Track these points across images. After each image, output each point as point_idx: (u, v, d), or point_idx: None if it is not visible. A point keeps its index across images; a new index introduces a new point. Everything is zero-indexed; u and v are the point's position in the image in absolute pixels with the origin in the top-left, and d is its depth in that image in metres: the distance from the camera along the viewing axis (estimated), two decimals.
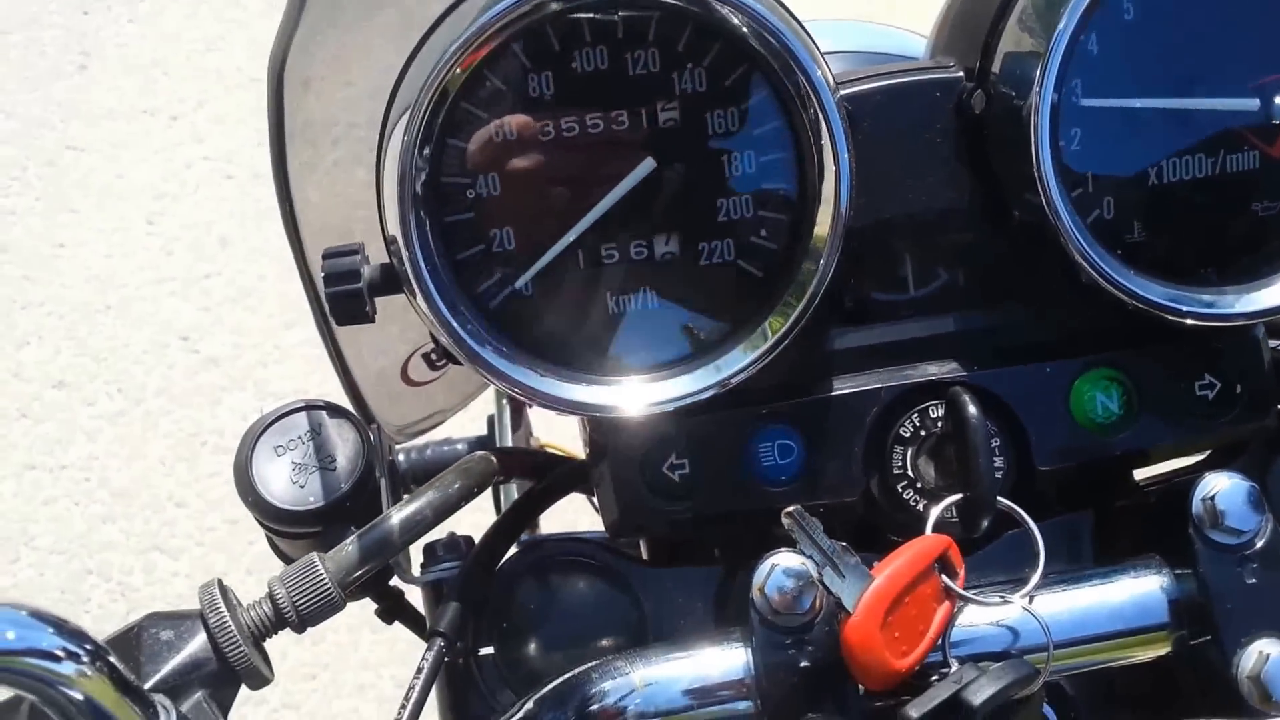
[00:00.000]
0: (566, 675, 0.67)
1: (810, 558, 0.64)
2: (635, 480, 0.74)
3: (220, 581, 0.68)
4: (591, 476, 0.79)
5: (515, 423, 1.39)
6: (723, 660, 0.66)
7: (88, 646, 0.50)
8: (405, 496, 0.77)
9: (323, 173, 0.88)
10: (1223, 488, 0.67)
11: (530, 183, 0.70)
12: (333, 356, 0.84)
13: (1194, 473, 0.71)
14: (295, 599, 0.68)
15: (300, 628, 0.69)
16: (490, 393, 1.45)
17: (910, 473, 0.74)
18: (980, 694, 0.61)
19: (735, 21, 0.67)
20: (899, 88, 0.74)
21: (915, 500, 0.74)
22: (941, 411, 0.73)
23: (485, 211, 0.70)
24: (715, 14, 0.67)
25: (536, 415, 1.46)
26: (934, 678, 0.64)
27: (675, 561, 0.79)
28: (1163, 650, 0.69)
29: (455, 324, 0.69)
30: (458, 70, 0.66)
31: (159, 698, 0.53)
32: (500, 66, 0.68)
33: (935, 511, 0.70)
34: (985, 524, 0.70)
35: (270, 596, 0.68)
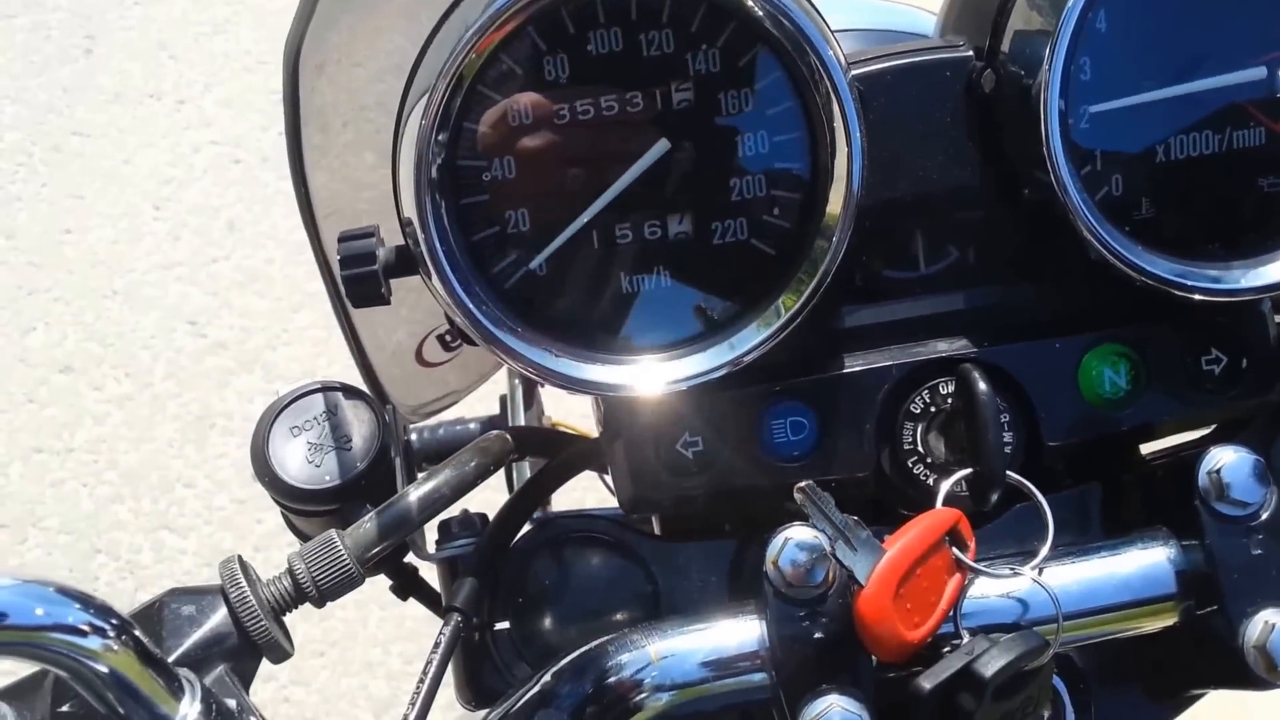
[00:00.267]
0: (583, 649, 0.68)
1: (823, 531, 0.65)
2: (649, 457, 0.75)
3: (240, 557, 0.69)
4: (605, 454, 0.80)
5: (527, 402, 1.40)
6: (737, 633, 0.67)
7: (113, 621, 0.51)
8: (420, 475, 0.78)
9: (333, 156, 0.89)
10: (1228, 461, 0.68)
11: (545, 164, 0.70)
12: (348, 338, 0.85)
13: (1200, 447, 0.72)
14: (315, 574, 0.69)
15: (320, 602, 0.70)
16: (503, 373, 1.46)
17: (921, 448, 0.75)
18: (991, 665, 0.63)
19: (749, 3, 0.68)
20: (910, 67, 0.75)
21: (926, 475, 0.75)
22: (952, 388, 0.74)
23: (500, 193, 0.70)
24: None
25: (548, 394, 1.47)
26: (945, 649, 0.66)
27: (688, 537, 0.79)
28: (1170, 621, 0.70)
29: (471, 305, 0.70)
30: (474, 54, 0.66)
31: (183, 671, 0.54)
32: (515, 49, 0.68)
33: (946, 486, 0.71)
34: (995, 498, 0.71)
35: (290, 571, 0.70)
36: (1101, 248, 0.72)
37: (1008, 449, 0.74)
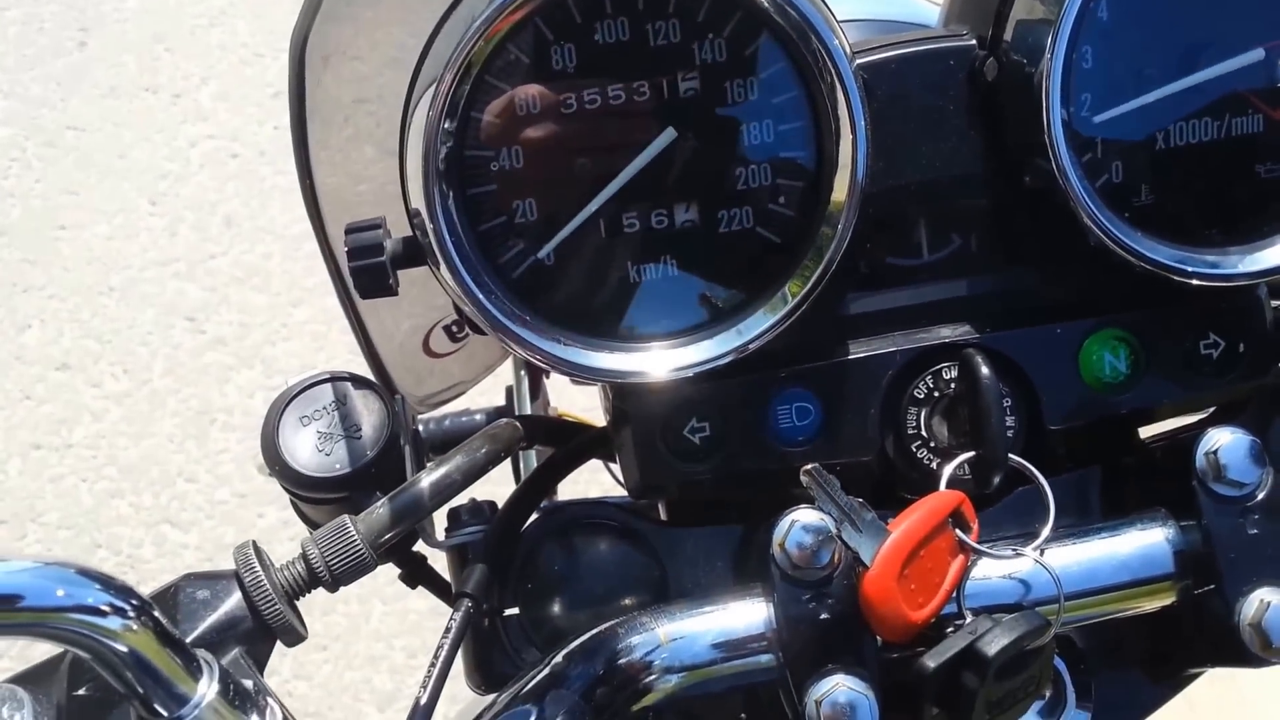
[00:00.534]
0: (594, 631, 0.69)
1: (828, 514, 0.66)
2: (657, 443, 0.76)
3: (254, 543, 0.70)
4: (614, 441, 0.81)
5: (533, 393, 1.41)
6: (745, 615, 0.68)
7: (133, 602, 0.52)
8: (429, 463, 0.79)
9: (337, 149, 0.89)
10: (1225, 442, 0.69)
11: (552, 154, 0.71)
12: (355, 330, 0.86)
13: (1198, 429, 0.73)
14: (328, 558, 0.70)
15: (333, 587, 0.71)
16: (508, 364, 1.47)
17: (924, 432, 0.76)
18: (994, 644, 0.63)
19: None
20: (913, 56, 0.76)
21: (929, 459, 0.76)
22: (955, 373, 0.75)
23: (508, 183, 0.71)
24: None
25: (554, 386, 1.48)
26: (949, 629, 0.66)
27: (695, 523, 0.80)
28: (1168, 600, 0.71)
29: (480, 294, 0.71)
30: (482, 43, 0.67)
31: (201, 652, 0.55)
32: (522, 39, 0.69)
33: (949, 469, 0.72)
34: (997, 481, 0.72)
35: (304, 556, 0.71)
36: (1102, 234, 0.73)
37: (1010, 432, 0.75)
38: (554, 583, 0.80)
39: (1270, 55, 0.74)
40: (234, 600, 0.68)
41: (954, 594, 0.68)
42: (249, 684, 0.56)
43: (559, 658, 0.67)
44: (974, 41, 0.76)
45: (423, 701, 0.71)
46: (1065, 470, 0.78)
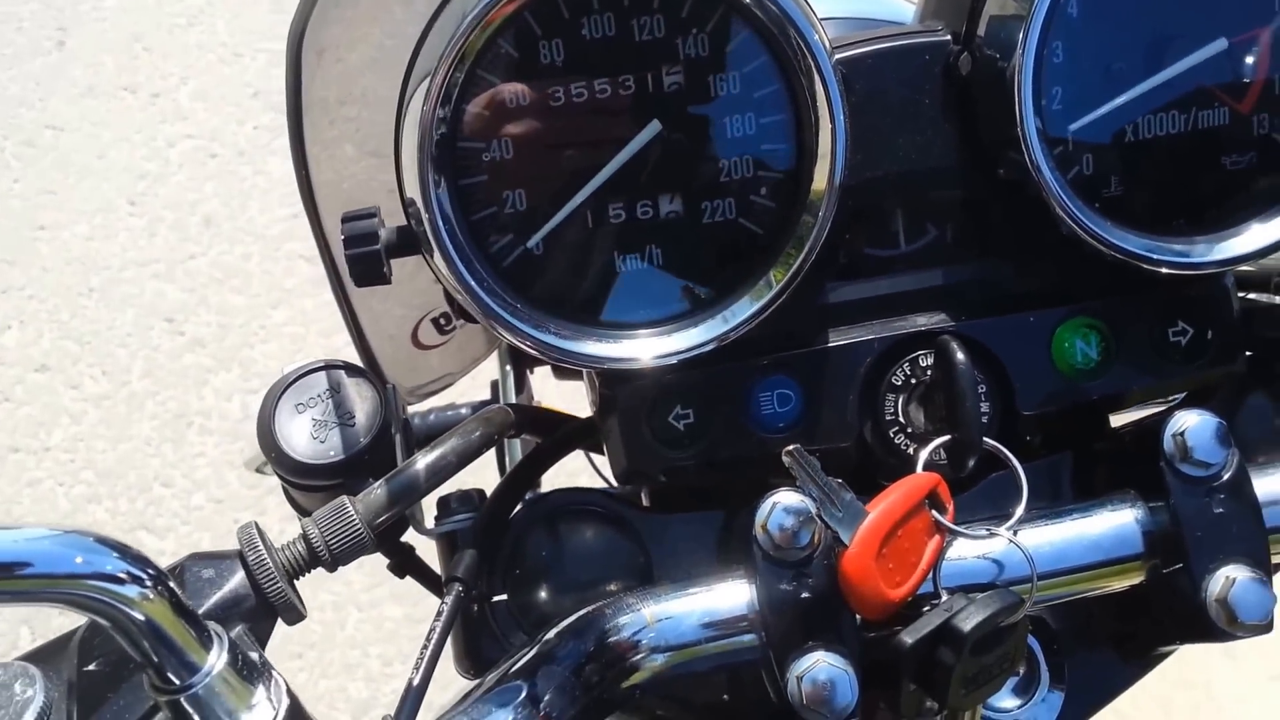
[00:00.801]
0: (582, 612, 0.71)
1: (809, 495, 0.67)
2: (642, 430, 0.78)
3: (256, 523, 0.72)
4: (600, 429, 0.82)
5: (518, 387, 1.42)
6: (728, 596, 0.70)
7: (150, 571, 0.54)
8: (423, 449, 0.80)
9: (331, 141, 0.90)
10: (1192, 424, 0.71)
11: (541, 146, 0.73)
12: (348, 320, 0.87)
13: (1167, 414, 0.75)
14: (328, 538, 0.72)
15: (332, 566, 0.72)
16: (493, 359, 1.49)
17: (901, 418, 0.78)
18: (969, 621, 0.65)
19: None
20: (890, 51, 0.78)
21: (906, 445, 0.78)
22: (931, 360, 0.77)
23: (499, 174, 0.73)
24: None
25: (538, 380, 1.50)
26: (926, 608, 0.68)
27: (678, 509, 0.82)
28: (1138, 579, 0.73)
29: (471, 282, 0.72)
30: (476, 36, 0.69)
31: (212, 624, 0.57)
32: (513, 35, 0.71)
33: (925, 452, 0.74)
34: (972, 463, 0.74)
35: (304, 536, 0.72)
36: (1073, 224, 0.75)
37: (984, 418, 0.77)
38: (541, 569, 0.81)
39: (1234, 48, 0.77)
40: (238, 579, 0.70)
41: (930, 573, 0.69)
42: (255, 656, 0.58)
43: (549, 636, 0.69)
44: (949, 37, 0.79)
45: (415, 683, 0.72)
46: (1039, 456, 0.81)
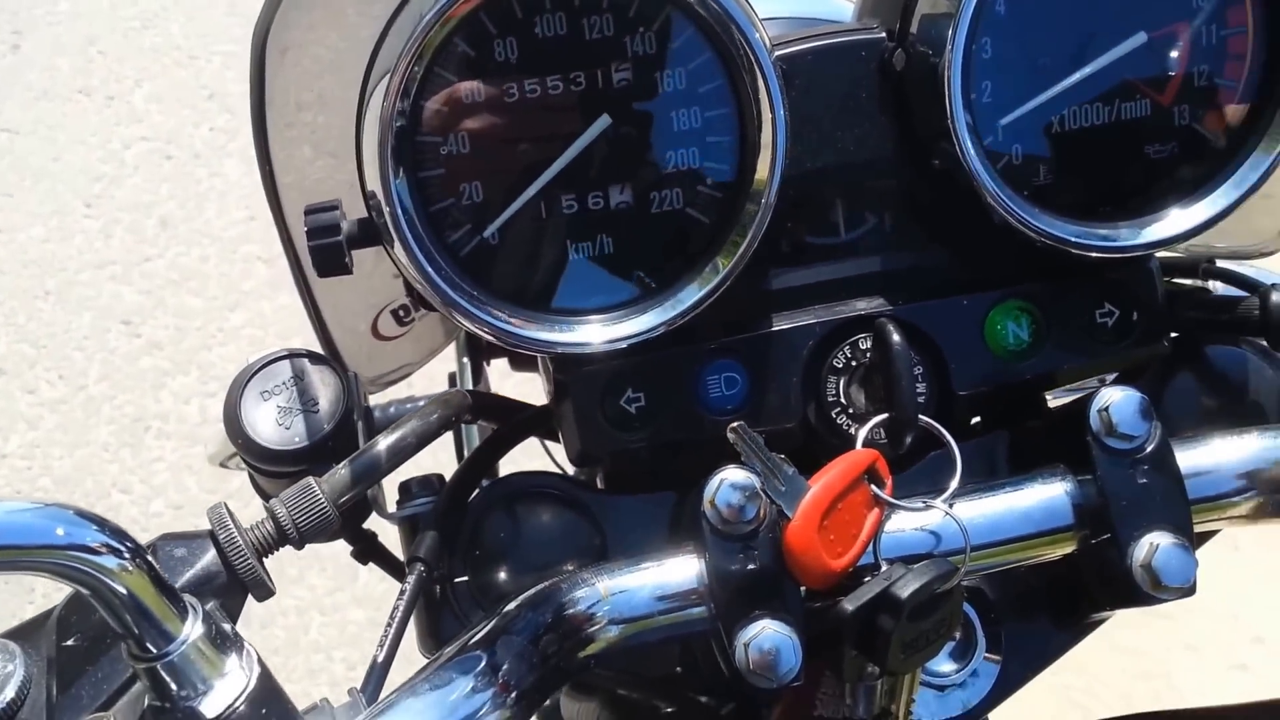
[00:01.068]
0: (539, 587, 0.73)
1: (753, 469, 0.71)
2: (595, 413, 0.81)
3: (226, 504, 0.74)
4: (555, 414, 0.85)
5: (475, 379, 1.45)
6: (679, 570, 0.72)
7: (128, 544, 0.56)
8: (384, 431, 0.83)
9: (281, 144, 0.92)
10: (1116, 400, 0.74)
11: (496, 140, 0.76)
12: (310, 311, 0.89)
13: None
14: (295, 517, 0.74)
15: (300, 544, 0.75)
16: (450, 351, 1.51)
17: (843, 399, 0.82)
18: (907, 588, 0.68)
19: None
20: (828, 48, 0.82)
21: (848, 425, 0.81)
22: (870, 343, 0.81)
23: (456, 167, 0.76)
24: None
25: (495, 375, 1.52)
26: (867, 578, 0.71)
27: (631, 490, 0.85)
28: (1069, 549, 0.76)
29: (430, 271, 0.75)
30: (433, 35, 0.72)
31: (187, 596, 0.59)
32: (469, 33, 0.74)
33: (865, 430, 0.78)
34: (909, 440, 0.78)
35: (272, 516, 0.75)
36: (1004, 212, 0.79)
37: (921, 398, 0.81)
38: (499, 549, 0.84)
39: (1154, 42, 0.81)
40: (209, 557, 0.72)
41: (870, 545, 0.72)
42: (228, 628, 0.60)
43: (508, 609, 0.72)
44: (884, 34, 0.82)
45: (380, 659, 0.75)
46: (975, 435, 0.84)
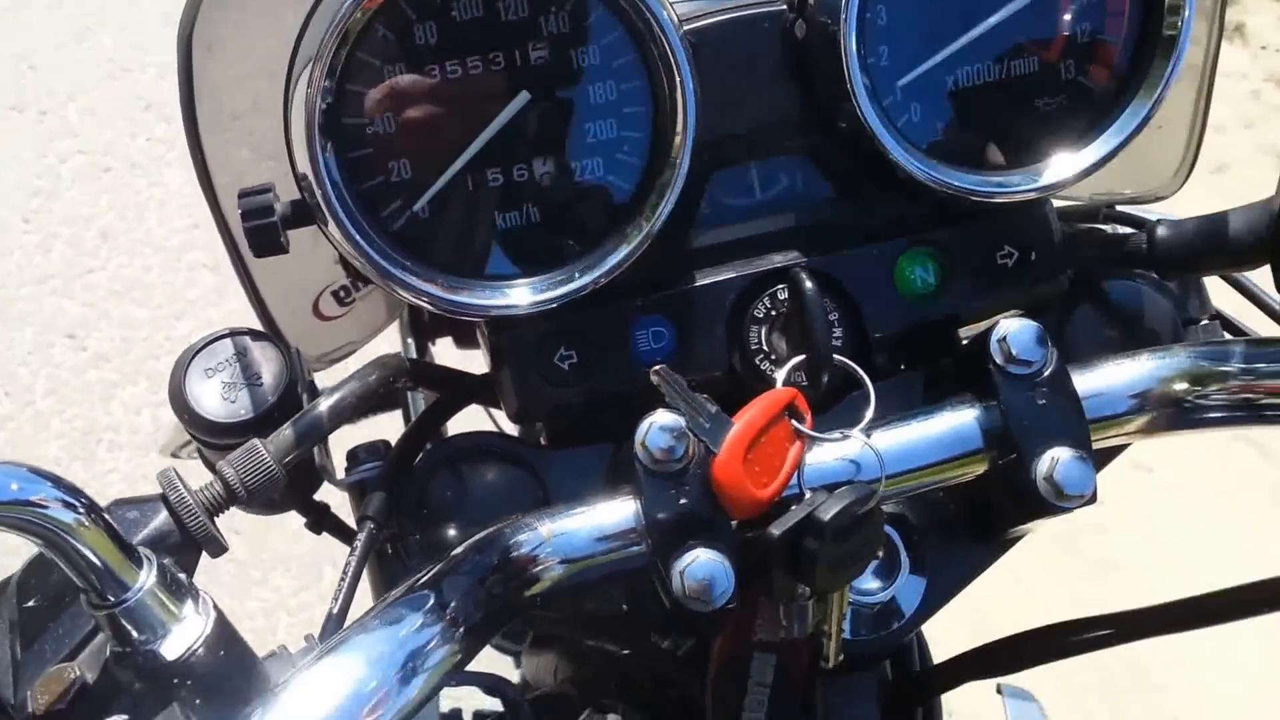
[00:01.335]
0: (484, 533, 0.78)
1: (679, 410, 0.75)
2: (531, 372, 0.85)
3: (175, 469, 0.78)
4: (492, 374, 0.90)
5: (419, 356, 1.49)
6: (617, 511, 0.76)
7: (82, 500, 0.60)
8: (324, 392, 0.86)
9: (223, 127, 0.96)
10: (1013, 329, 0.80)
11: (420, 119, 0.80)
12: (250, 295, 0.93)
13: None
14: (243, 476, 0.78)
15: (248, 502, 0.78)
16: (394, 329, 1.55)
17: (765, 347, 0.87)
18: (829, 511, 0.72)
19: None
20: (733, 21, 0.87)
21: (770, 370, 0.86)
22: (786, 293, 0.86)
23: (383, 146, 0.80)
24: None
25: (439, 351, 1.56)
26: (793, 506, 0.77)
27: (571, 444, 0.89)
28: (980, 470, 0.81)
29: (364, 244, 0.79)
30: (354, 20, 0.76)
31: (142, 549, 0.63)
32: (389, 18, 0.78)
33: (784, 371, 0.83)
34: (826, 379, 0.83)
35: (220, 477, 0.78)
36: (905, 166, 0.85)
37: (837, 341, 0.86)
38: (447, 507, 0.87)
39: (1038, 4, 0.87)
40: (161, 518, 0.76)
41: (795, 476, 0.77)
42: (183, 578, 0.64)
43: (456, 552, 0.76)
44: (785, 6, 0.88)
45: (334, 611, 0.79)
46: (892, 375, 0.90)
